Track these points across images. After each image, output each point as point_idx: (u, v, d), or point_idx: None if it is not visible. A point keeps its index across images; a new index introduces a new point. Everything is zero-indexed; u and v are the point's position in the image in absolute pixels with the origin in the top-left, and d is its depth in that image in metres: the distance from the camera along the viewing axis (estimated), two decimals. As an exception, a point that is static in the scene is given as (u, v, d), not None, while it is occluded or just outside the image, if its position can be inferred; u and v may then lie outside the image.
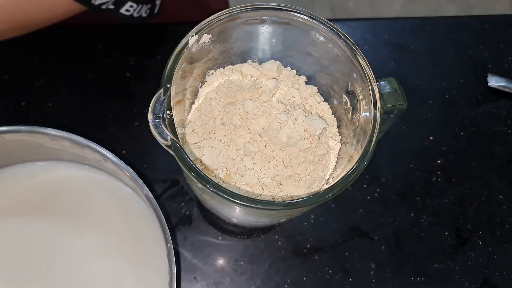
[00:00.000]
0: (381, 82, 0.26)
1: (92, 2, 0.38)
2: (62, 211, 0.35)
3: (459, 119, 0.47)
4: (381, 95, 0.25)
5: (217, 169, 0.26)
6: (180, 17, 0.54)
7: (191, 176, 0.22)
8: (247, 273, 0.40)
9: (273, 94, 0.29)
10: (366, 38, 0.51)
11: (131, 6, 0.39)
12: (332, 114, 0.30)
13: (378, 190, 0.43)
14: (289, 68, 0.30)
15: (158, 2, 0.43)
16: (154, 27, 0.48)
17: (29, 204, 0.35)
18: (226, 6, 0.66)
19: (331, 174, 0.28)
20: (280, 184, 0.26)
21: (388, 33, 0.51)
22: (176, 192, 0.41)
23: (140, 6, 0.40)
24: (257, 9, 0.26)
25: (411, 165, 0.45)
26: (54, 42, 0.46)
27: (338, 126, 0.30)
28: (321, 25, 0.26)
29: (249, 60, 0.30)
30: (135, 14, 0.41)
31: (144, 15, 0.42)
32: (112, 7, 0.39)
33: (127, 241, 0.34)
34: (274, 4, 0.26)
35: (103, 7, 0.39)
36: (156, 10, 0.43)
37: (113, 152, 0.30)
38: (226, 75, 0.29)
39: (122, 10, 0.39)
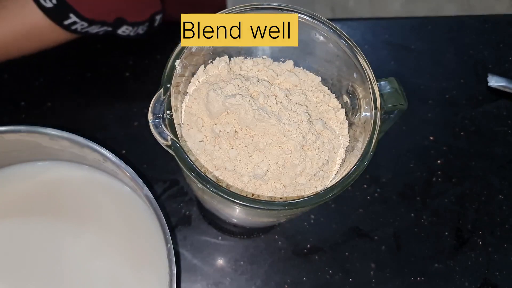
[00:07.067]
0: (381, 82, 0.26)
1: (90, 31, 0.41)
2: (62, 211, 0.35)
3: (459, 119, 0.47)
4: (381, 95, 0.25)
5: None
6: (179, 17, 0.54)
7: (191, 176, 0.22)
8: (247, 273, 0.39)
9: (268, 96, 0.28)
10: (366, 38, 0.51)
11: (127, 29, 0.42)
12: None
13: (378, 190, 0.43)
14: (300, 68, 0.30)
15: (158, 18, 0.44)
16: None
17: (28, 204, 0.35)
18: (224, 4, 0.66)
19: (331, 174, 0.28)
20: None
21: (388, 33, 0.51)
22: (176, 192, 0.41)
23: (136, 27, 0.43)
24: (257, 9, 0.26)
25: (411, 165, 0.45)
26: (53, 42, 0.46)
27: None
28: (321, 24, 0.26)
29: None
30: (132, 34, 0.44)
31: (141, 32, 0.44)
32: (110, 29, 0.42)
33: (127, 241, 0.34)
34: (274, 4, 0.26)
35: (101, 33, 0.42)
36: (156, 24, 0.45)
37: (112, 152, 0.30)
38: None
39: (119, 32, 0.42)
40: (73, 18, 0.38)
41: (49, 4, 0.37)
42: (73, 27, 0.39)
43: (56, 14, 0.38)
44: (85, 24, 0.39)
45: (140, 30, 0.44)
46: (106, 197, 0.35)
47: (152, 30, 0.45)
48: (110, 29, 0.41)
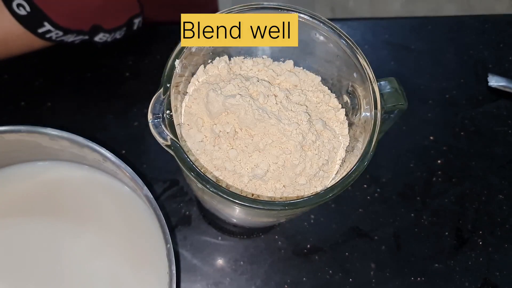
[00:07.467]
0: (381, 82, 0.26)
1: (65, 40, 0.40)
2: (62, 211, 0.35)
3: (459, 119, 0.47)
4: (381, 95, 0.25)
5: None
6: (176, 17, 0.54)
7: (191, 176, 0.22)
8: (247, 273, 0.39)
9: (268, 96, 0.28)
10: (366, 38, 0.51)
11: (104, 35, 0.42)
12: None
13: (378, 190, 0.43)
14: (300, 68, 0.30)
15: (136, 21, 0.44)
16: (153, 26, 0.47)
17: (28, 204, 0.35)
18: (216, 6, 0.66)
19: (331, 174, 0.28)
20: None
21: (388, 33, 0.51)
22: (176, 192, 0.41)
23: (113, 33, 0.42)
24: (257, 8, 0.26)
25: (411, 165, 0.45)
26: (53, 42, 0.46)
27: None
28: (321, 24, 0.26)
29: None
30: (109, 40, 0.43)
31: (118, 36, 0.44)
32: (86, 37, 0.41)
33: (127, 241, 0.34)
34: (274, 3, 0.26)
35: (77, 41, 0.41)
36: (135, 27, 0.45)
37: (112, 152, 0.30)
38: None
39: (96, 39, 0.42)
40: (47, 26, 0.37)
41: (22, 12, 0.36)
42: (48, 35, 0.38)
43: (29, 22, 0.37)
44: (60, 33, 0.38)
45: (118, 35, 0.43)
46: (106, 197, 0.35)
47: (130, 33, 0.44)
48: (86, 37, 0.41)
